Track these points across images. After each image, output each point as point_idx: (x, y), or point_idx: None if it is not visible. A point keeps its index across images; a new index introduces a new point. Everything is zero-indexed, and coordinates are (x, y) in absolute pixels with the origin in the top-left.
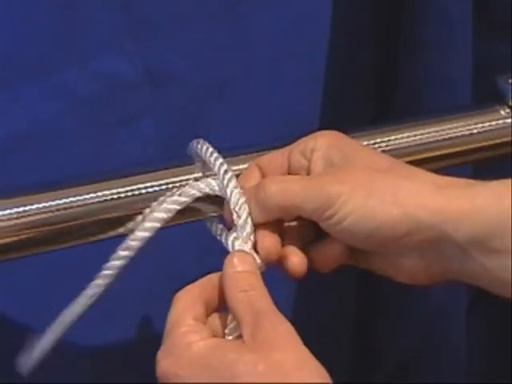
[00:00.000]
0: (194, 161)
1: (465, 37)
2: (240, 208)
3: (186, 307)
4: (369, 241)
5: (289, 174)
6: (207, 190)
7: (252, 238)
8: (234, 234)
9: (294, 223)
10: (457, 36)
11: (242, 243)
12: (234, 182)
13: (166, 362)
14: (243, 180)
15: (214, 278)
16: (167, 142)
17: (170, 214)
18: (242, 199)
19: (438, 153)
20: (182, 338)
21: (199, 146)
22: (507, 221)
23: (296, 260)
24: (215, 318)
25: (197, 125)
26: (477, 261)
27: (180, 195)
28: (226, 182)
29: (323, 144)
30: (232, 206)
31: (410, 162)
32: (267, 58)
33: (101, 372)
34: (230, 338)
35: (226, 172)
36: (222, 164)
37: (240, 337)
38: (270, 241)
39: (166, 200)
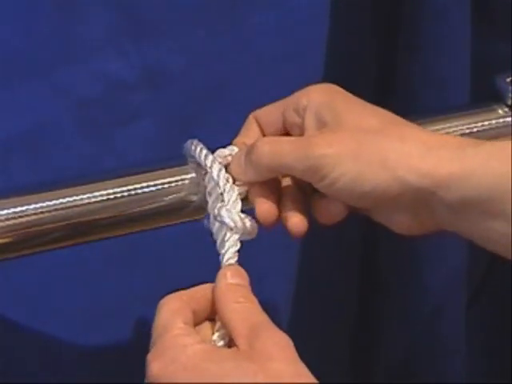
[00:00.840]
0: (188, 161)
1: (464, 36)
2: (225, 185)
3: (176, 311)
4: (361, 201)
5: (284, 129)
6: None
7: (239, 205)
8: (219, 203)
9: (292, 180)
10: (456, 36)
11: (230, 209)
12: (217, 165)
13: (158, 365)
14: (242, 133)
15: (203, 288)
16: (166, 142)
17: None
18: (229, 183)
19: None
20: (175, 340)
21: (192, 147)
22: (496, 184)
23: (295, 221)
24: (201, 327)
25: (196, 125)
26: (467, 221)
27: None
28: (211, 170)
29: (315, 101)
30: (210, 174)
31: None
32: (266, 58)
33: (101, 372)
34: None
35: (212, 162)
36: (207, 155)
37: (227, 346)
38: (267, 206)
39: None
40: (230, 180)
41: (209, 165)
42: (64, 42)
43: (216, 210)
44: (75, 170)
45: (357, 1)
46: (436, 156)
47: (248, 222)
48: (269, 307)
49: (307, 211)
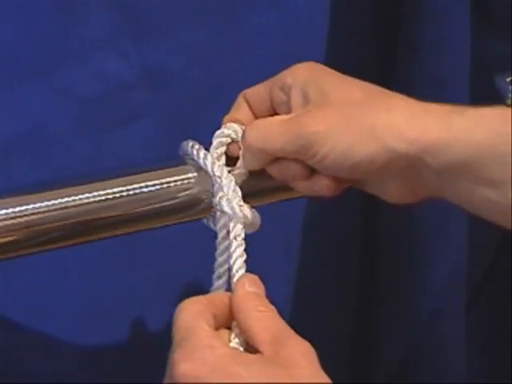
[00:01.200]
0: (186, 161)
1: (463, 37)
2: (220, 169)
3: (199, 314)
4: (352, 173)
5: (272, 108)
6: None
7: (239, 194)
8: (220, 194)
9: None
10: (455, 36)
11: (230, 198)
12: (210, 159)
13: (187, 365)
14: (232, 111)
15: (220, 295)
16: (166, 142)
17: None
18: (229, 177)
19: None
20: (202, 341)
21: (188, 147)
22: (481, 151)
23: (325, 183)
24: (218, 333)
25: (195, 125)
26: (453, 187)
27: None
28: (206, 165)
29: (300, 79)
30: (209, 171)
31: None
32: (266, 58)
33: (101, 372)
34: None
35: (205, 155)
36: (199, 150)
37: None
38: (302, 183)
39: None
40: (225, 171)
41: (202, 160)
42: (64, 42)
43: (216, 200)
44: (75, 169)
45: (357, 1)
46: (422, 123)
47: (247, 210)
48: None
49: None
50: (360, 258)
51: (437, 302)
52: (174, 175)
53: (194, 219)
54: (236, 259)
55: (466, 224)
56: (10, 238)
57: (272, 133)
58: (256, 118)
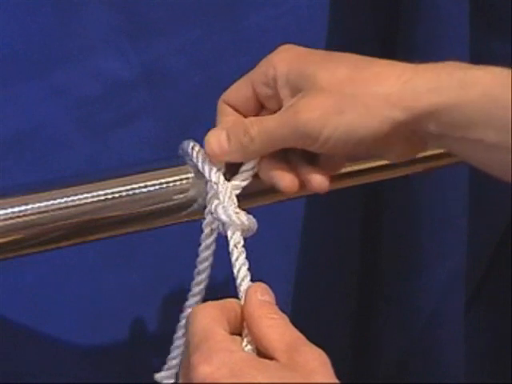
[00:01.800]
0: (187, 161)
1: (463, 37)
2: (217, 177)
3: (215, 318)
4: (356, 150)
5: (258, 103)
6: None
7: (234, 202)
8: (216, 202)
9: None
10: (455, 36)
11: (226, 205)
12: (208, 164)
13: (206, 369)
14: (220, 120)
15: (230, 302)
16: (165, 141)
17: None
18: (225, 184)
19: (434, 152)
20: (221, 345)
21: (188, 148)
22: (473, 115)
23: (318, 179)
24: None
25: (194, 124)
26: (451, 144)
27: None
28: (204, 169)
29: (283, 70)
30: (207, 178)
31: (408, 161)
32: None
33: (101, 372)
34: None
35: (203, 161)
36: (198, 153)
37: None
38: (287, 178)
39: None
40: (221, 178)
41: (200, 164)
42: (63, 41)
43: (213, 208)
44: (74, 169)
45: (356, 0)
46: (412, 90)
47: (244, 217)
48: None
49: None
50: (360, 259)
51: (436, 303)
52: (172, 175)
53: (192, 220)
54: (240, 268)
55: (465, 224)
56: (9, 239)
57: (270, 129)
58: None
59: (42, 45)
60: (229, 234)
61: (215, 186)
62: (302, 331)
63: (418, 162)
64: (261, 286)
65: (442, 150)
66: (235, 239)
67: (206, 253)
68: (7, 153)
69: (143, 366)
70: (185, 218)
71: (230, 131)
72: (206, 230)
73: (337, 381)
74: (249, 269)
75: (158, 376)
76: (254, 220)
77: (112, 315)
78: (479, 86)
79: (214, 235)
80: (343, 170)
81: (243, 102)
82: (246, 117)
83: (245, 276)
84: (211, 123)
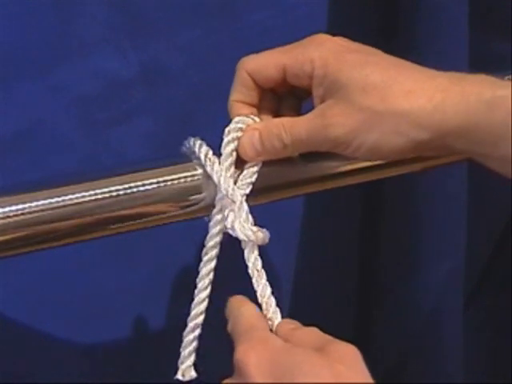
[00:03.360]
0: (192, 158)
1: (463, 36)
2: (233, 192)
3: (259, 315)
4: (382, 159)
5: (282, 82)
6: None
7: (250, 217)
8: (232, 217)
9: None
10: (454, 36)
11: (242, 223)
12: (227, 180)
13: (252, 357)
14: (237, 89)
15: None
16: (163, 139)
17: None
18: (232, 186)
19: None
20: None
21: (196, 149)
22: (499, 135)
23: None
24: None
25: (194, 123)
26: (476, 159)
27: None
28: (221, 184)
29: (320, 72)
30: (224, 192)
31: (407, 160)
32: None
33: (101, 372)
34: None
35: (220, 175)
36: (207, 154)
37: None
38: None
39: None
40: (239, 194)
41: (209, 168)
42: (63, 40)
43: (229, 224)
44: (73, 167)
45: (355, 0)
46: (441, 112)
47: (261, 235)
48: None
49: None
50: (359, 258)
51: (435, 302)
52: (176, 173)
53: (196, 217)
54: (265, 290)
55: (464, 224)
56: (9, 237)
57: (301, 136)
58: (260, 90)
59: (41, 43)
60: (246, 251)
61: (228, 194)
62: None
63: (417, 160)
64: (289, 322)
65: None
66: (254, 258)
67: (213, 251)
68: (6, 151)
69: (144, 366)
70: (190, 216)
71: (263, 134)
72: (214, 230)
73: (369, 378)
74: (268, 280)
75: (179, 375)
76: (267, 233)
77: (112, 314)
78: (505, 106)
79: (221, 234)
80: (342, 169)
81: (267, 79)
82: (263, 88)
83: (271, 301)
84: (210, 121)
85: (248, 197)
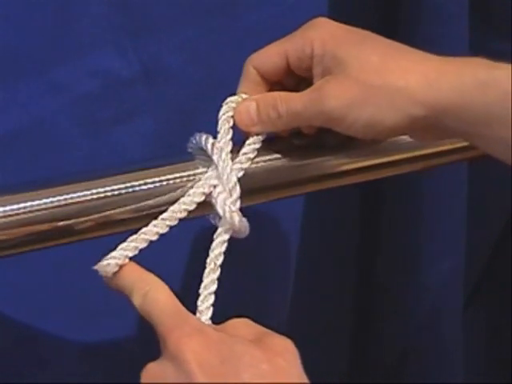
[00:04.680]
0: (195, 156)
1: (462, 36)
2: (228, 175)
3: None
4: (377, 137)
5: (287, 71)
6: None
7: (238, 203)
8: (220, 191)
9: None
10: (454, 35)
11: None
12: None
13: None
14: (243, 83)
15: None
16: (164, 138)
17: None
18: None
19: (434, 150)
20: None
21: (199, 139)
22: (493, 114)
23: None
24: None
25: (194, 122)
26: (469, 140)
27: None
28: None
29: (319, 51)
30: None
31: (407, 159)
32: None
33: (101, 371)
34: None
35: (213, 145)
36: (212, 145)
37: None
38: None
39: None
40: (234, 176)
41: (215, 158)
42: (62, 39)
43: (215, 194)
44: (74, 166)
45: (355, 0)
46: (437, 88)
47: (237, 218)
48: (268, 307)
49: None
50: (359, 257)
51: (435, 301)
52: (178, 172)
53: (197, 216)
54: (211, 285)
55: (464, 223)
56: (8, 236)
57: (297, 108)
58: (268, 84)
59: (41, 42)
60: (218, 230)
61: (222, 172)
62: (301, 330)
63: (417, 160)
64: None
65: (441, 148)
66: (218, 252)
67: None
68: (6, 150)
69: (144, 364)
70: (192, 214)
71: (259, 104)
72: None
73: (303, 373)
74: (219, 278)
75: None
76: (246, 224)
77: (112, 314)
78: (500, 86)
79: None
80: (342, 168)
81: (274, 70)
82: (269, 81)
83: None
84: (211, 120)
85: (247, 195)
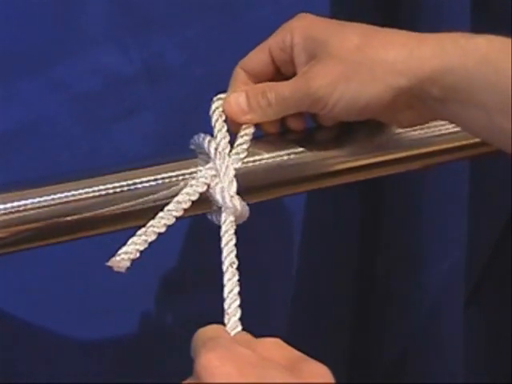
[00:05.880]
0: (197, 154)
1: None
2: (223, 160)
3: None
4: (362, 115)
5: (273, 69)
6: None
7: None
8: (223, 185)
9: None
10: None
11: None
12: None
13: (212, 360)
14: (232, 85)
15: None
16: (165, 136)
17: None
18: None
19: (435, 148)
20: (228, 342)
21: (197, 138)
22: (473, 79)
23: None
24: None
25: (194, 119)
26: (451, 110)
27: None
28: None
29: (299, 38)
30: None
31: (407, 158)
32: None
33: (100, 371)
34: None
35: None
36: (204, 138)
37: None
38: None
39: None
40: (227, 163)
41: (212, 151)
42: (64, 36)
43: (212, 184)
44: (74, 164)
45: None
46: (418, 57)
47: (237, 201)
48: (269, 307)
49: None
50: (359, 256)
51: (436, 301)
52: (179, 170)
53: (198, 214)
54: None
55: (464, 223)
56: (9, 233)
57: (285, 94)
58: (256, 83)
59: (42, 40)
60: (222, 217)
61: (220, 164)
62: (301, 330)
63: (417, 158)
64: (243, 335)
65: (442, 147)
66: (227, 224)
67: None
68: (7, 147)
69: (144, 365)
70: (193, 212)
71: (249, 93)
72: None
73: None
74: (237, 256)
75: None
76: (247, 207)
77: (112, 314)
78: (480, 50)
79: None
80: (342, 167)
81: (260, 67)
82: (258, 82)
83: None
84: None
85: (246, 194)
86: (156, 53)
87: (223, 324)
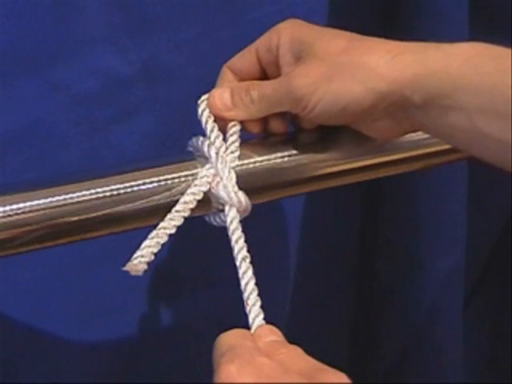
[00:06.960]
0: (195, 156)
1: (462, 35)
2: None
3: (244, 335)
4: (341, 118)
5: (259, 70)
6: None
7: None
8: (224, 182)
9: None
10: (454, 34)
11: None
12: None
13: (231, 368)
14: (218, 83)
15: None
16: (164, 138)
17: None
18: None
19: (432, 149)
20: (248, 350)
21: (193, 140)
22: (455, 82)
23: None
24: None
25: (193, 121)
26: (432, 117)
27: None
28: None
29: (286, 39)
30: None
31: (406, 159)
32: None
33: (100, 371)
34: None
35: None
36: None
37: None
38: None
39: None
40: (226, 162)
41: (206, 151)
42: (62, 37)
43: (214, 183)
44: (72, 166)
45: None
46: (400, 62)
47: (242, 196)
48: (269, 307)
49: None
50: (359, 256)
51: (435, 300)
52: (177, 172)
53: (197, 216)
54: (240, 250)
55: (464, 223)
56: (9, 235)
57: (268, 94)
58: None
59: (40, 41)
60: (226, 209)
61: (217, 163)
62: (301, 330)
63: (417, 159)
64: (265, 329)
65: (441, 148)
66: (234, 220)
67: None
68: (6, 149)
69: (144, 365)
70: (192, 214)
71: (233, 90)
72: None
73: None
74: (248, 250)
75: None
76: (249, 201)
77: (112, 314)
78: (462, 56)
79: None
80: (342, 168)
81: (246, 68)
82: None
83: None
84: None
85: (247, 195)
86: (155, 54)
87: (232, 323)
